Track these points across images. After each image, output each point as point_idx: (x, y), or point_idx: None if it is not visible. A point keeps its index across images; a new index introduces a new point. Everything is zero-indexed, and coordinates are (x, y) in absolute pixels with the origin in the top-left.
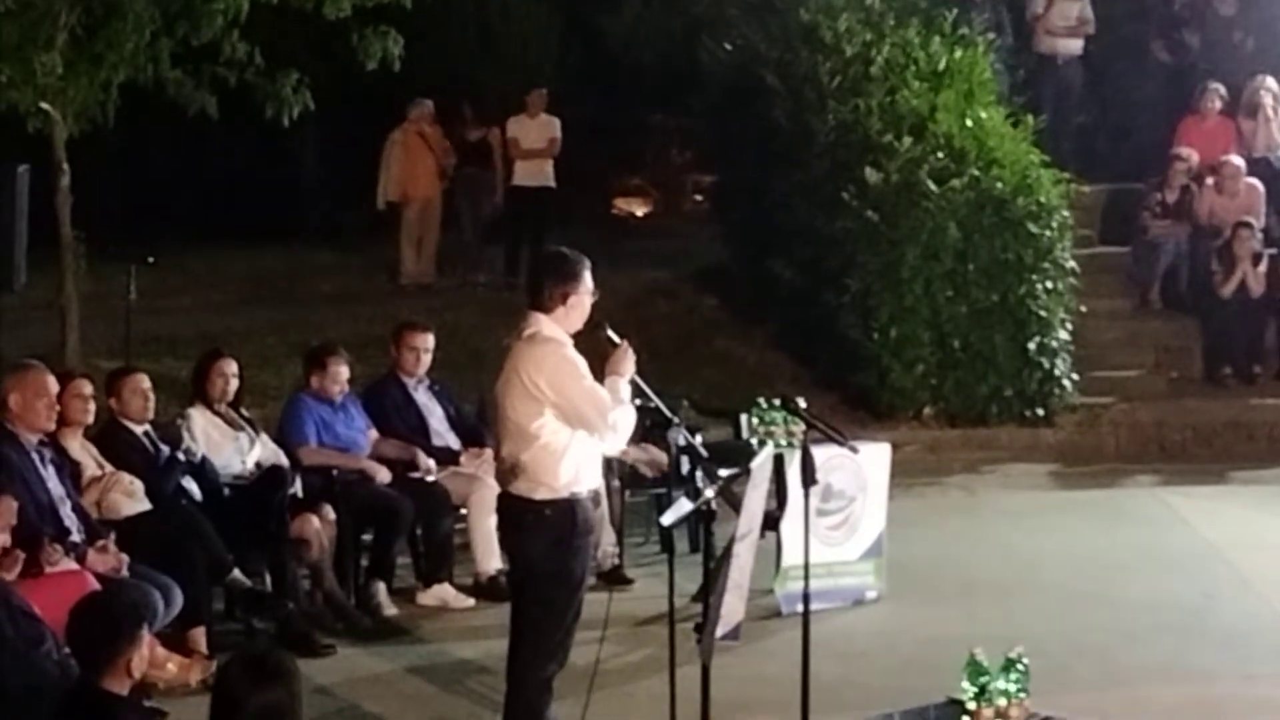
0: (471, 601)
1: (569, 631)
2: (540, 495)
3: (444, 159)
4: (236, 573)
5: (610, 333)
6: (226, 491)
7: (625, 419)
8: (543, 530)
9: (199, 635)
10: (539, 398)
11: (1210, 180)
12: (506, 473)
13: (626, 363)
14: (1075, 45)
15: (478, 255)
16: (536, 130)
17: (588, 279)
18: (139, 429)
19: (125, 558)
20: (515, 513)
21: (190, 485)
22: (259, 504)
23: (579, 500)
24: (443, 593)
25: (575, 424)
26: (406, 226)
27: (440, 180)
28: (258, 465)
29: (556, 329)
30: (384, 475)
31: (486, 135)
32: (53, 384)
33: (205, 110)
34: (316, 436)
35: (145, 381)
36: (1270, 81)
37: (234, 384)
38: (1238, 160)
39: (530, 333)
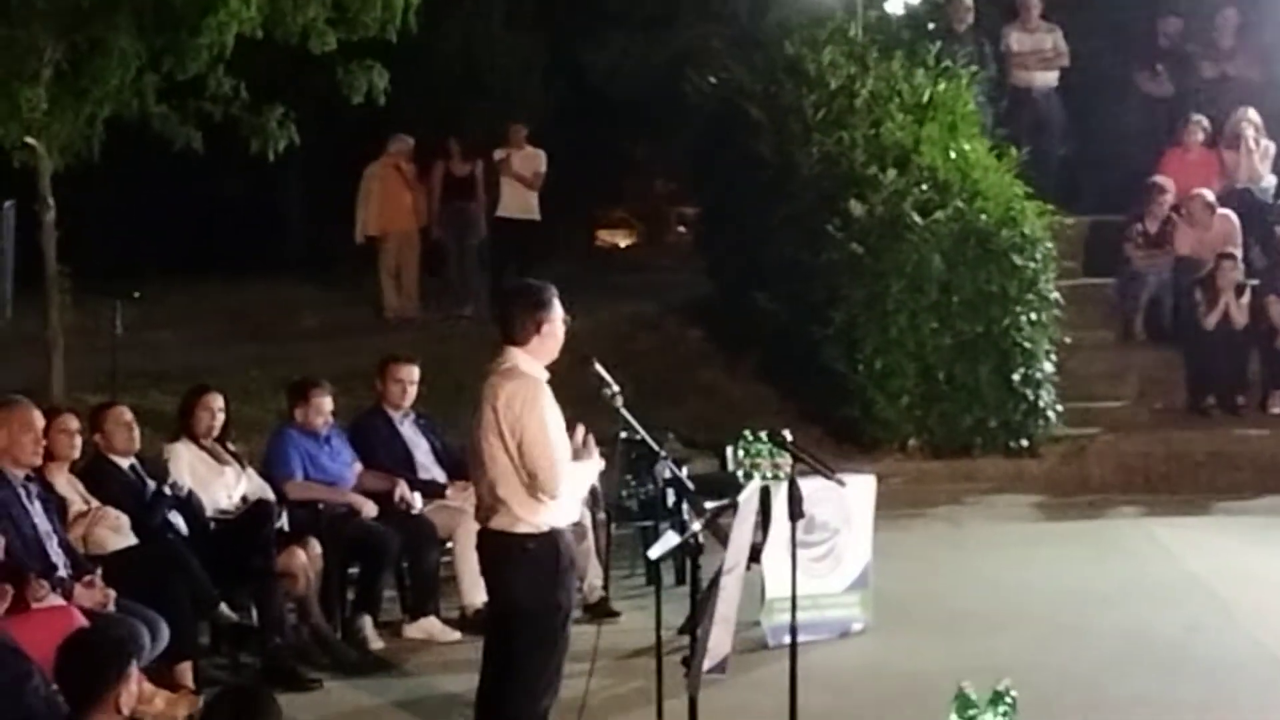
0: (458, 635)
1: (559, 665)
2: (521, 530)
3: (418, 194)
4: (223, 607)
5: (599, 368)
6: (213, 526)
7: (575, 489)
8: (526, 565)
9: (186, 670)
10: (504, 433)
11: (1184, 212)
12: (486, 509)
13: (592, 466)
14: (1050, 77)
15: (464, 288)
16: (521, 163)
17: (558, 306)
18: (125, 463)
19: (112, 593)
20: (497, 548)
21: (176, 520)
22: (245, 538)
23: (560, 533)
24: (429, 626)
25: (525, 466)
26: (385, 261)
27: (417, 216)
28: (244, 499)
29: (533, 363)
30: (370, 509)
31: (473, 170)
32: (39, 419)
33: (191, 144)
34: (302, 470)
35: (128, 414)
36: (1252, 113)
37: (220, 419)
38: (1207, 194)
39: (506, 367)
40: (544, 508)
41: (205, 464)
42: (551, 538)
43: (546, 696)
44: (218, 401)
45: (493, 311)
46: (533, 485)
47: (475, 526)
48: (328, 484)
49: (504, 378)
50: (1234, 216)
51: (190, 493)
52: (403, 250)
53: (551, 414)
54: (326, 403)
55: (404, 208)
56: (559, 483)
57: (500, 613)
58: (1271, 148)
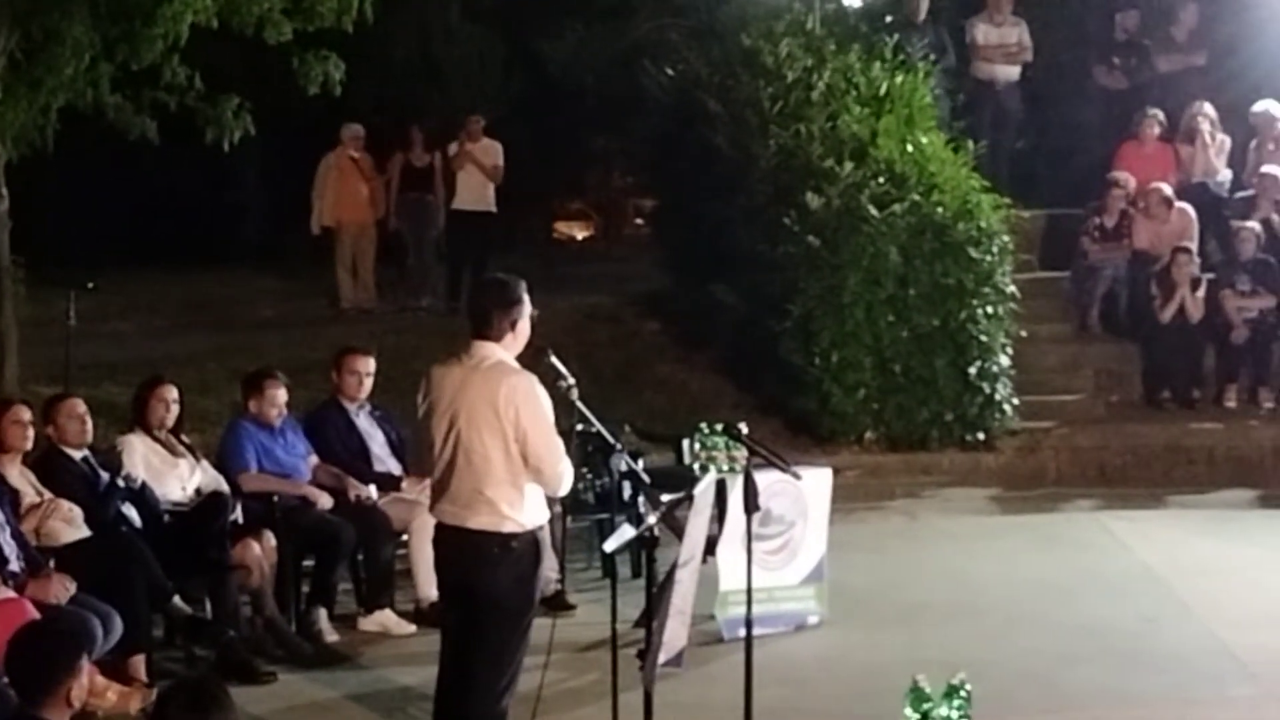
0: (413, 628)
1: (522, 660)
2: (507, 529)
3: (375, 185)
4: (177, 600)
5: (554, 360)
6: (167, 518)
7: (570, 472)
8: (510, 563)
9: (139, 663)
10: (504, 431)
11: (1140, 205)
12: (461, 506)
13: None
14: (1013, 71)
15: (421, 280)
16: (478, 155)
17: (528, 301)
18: (78, 455)
19: (69, 578)
20: (478, 547)
21: (130, 512)
22: (199, 530)
23: (540, 529)
24: (384, 619)
25: (529, 462)
26: (341, 253)
27: (374, 207)
28: (198, 491)
29: (510, 357)
30: (325, 501)
31: (432, 161)
32: None
33: (145, 135)
34: (257, 462)
35: (81, 406)
36: (1207, 107)
37: (174, 410)
38: (1164, 188)
39: (490, 363)
40: (530, 506)
41: (159, 456)
42: (533, 535)
43: (509, 693)
44: (172, 393)
45: (453, 305)
46: (538, 480)
47: (430, 520)
48: (283, 476)
49: (495, 374)
50: (1190, 210)
51: (144, 485)
52: (359, 241)
53: (549, 407)
54: (281, 394)
55: (360, 199)
56: (563, 476)
57: (477, 609)
58: (1227, 141)
